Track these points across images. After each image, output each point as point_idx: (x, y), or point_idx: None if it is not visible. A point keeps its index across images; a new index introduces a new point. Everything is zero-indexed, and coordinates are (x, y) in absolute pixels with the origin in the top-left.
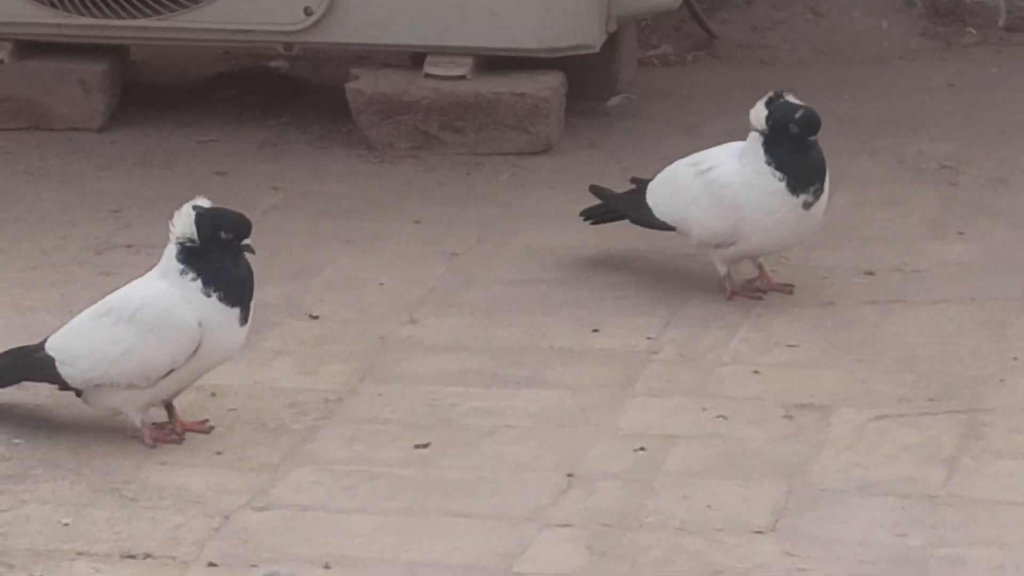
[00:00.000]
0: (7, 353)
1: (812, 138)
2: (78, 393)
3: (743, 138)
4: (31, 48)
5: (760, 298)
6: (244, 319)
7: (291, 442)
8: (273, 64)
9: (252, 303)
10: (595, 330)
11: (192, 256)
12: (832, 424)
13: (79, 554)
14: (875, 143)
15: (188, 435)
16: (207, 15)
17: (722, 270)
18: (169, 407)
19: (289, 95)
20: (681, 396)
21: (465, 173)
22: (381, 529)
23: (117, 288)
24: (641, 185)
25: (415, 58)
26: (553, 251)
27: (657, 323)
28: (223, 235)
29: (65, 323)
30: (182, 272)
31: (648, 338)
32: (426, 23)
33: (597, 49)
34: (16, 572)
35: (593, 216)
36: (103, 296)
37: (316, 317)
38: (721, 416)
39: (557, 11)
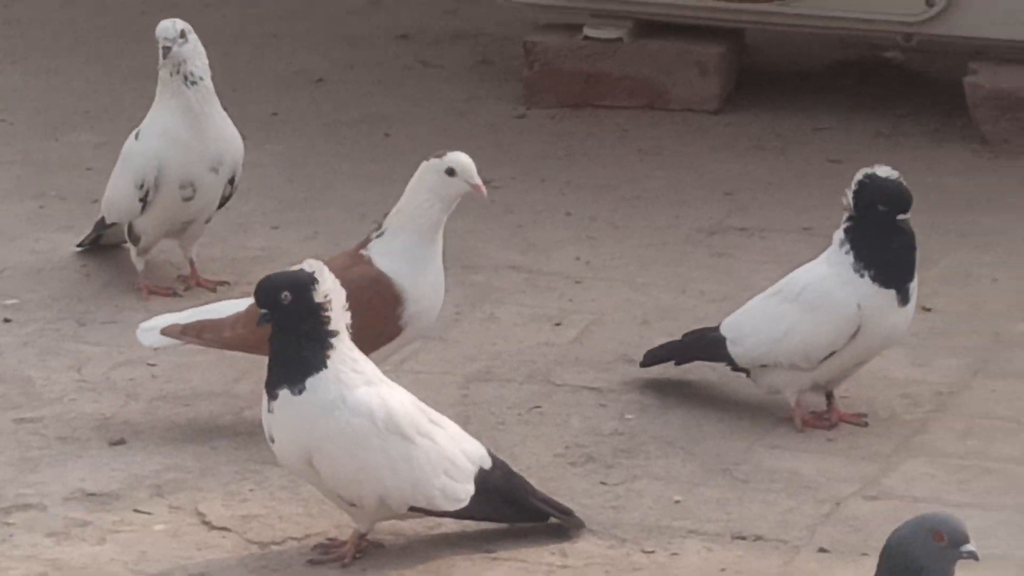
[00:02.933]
0: (690, 333)
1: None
2: (747, 373)
3: None
4: (650, 28)
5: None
6: (903, 300)
7: (903, 433)
8: (888, 54)
9: (912, 284)
10: None
11: (851, 229)
12: None
13: (690, 532)
14: None
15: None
16: (828, 3)
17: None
18: (829, 395)
19: (904, 86)
20: None
21: None
22: (996, 525)
23: (729, 270)
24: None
25: None
26: None
27: None
28: (880, 207)
29: (682, 302)
30: (841, 244)
31: None
32: None
33: None
34: (627, 545)
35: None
36: (714, 276)
37: (929, 309)
38: None
39: None
